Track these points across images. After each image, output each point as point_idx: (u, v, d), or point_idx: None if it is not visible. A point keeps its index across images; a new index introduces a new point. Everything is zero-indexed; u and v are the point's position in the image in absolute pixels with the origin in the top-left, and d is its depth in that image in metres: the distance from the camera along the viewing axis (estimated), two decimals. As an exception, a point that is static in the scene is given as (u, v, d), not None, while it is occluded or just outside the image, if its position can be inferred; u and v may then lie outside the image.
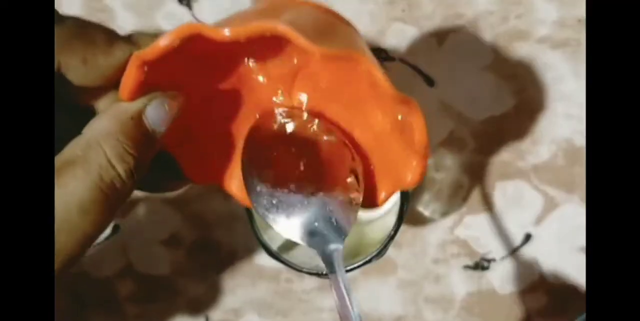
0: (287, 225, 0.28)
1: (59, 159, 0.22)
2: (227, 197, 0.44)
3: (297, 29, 0.23)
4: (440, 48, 0.42)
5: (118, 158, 0.22)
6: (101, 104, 0.25)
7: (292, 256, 0.34)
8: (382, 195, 0.28)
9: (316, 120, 0.28)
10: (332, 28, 0.27)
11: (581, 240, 0.41)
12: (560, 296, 0.41)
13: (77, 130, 0.23)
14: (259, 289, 0.44)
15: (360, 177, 0.28)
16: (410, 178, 0.27)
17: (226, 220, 0.44)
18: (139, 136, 0.23)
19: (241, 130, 0.28)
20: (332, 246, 0.27)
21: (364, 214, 0.41)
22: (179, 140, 0.27)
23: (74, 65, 0.23)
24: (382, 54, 0.42)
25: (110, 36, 0.24)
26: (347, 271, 0.33)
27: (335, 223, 0.28)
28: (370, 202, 0.28)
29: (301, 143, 0.28)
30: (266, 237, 0.33)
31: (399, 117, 0.26)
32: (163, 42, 0.23)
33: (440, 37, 0.41)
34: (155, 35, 0.24)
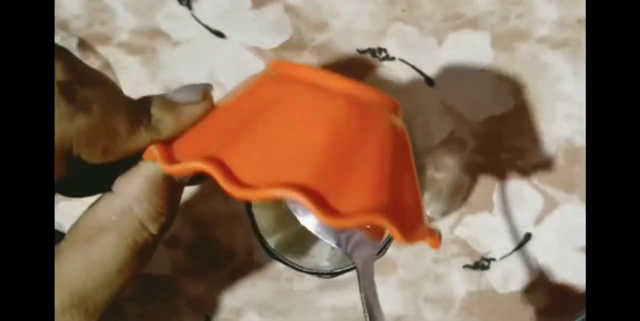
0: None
1: (94, 223, 0.23)
2: (228, 197, 0.44)
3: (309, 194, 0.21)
4: (440, 48, 0.42)
5: (151, 220, 0.23)
6: None
7: (292, 256, 0.34)
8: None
9: None
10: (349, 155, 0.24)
11: (581, 240, 0.41)
12: (560, 296, 0.41)
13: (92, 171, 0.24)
14: (259, 289, 0.44)
15: None
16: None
17: (226, 220, 0.44)
18: (170, 193, 0.24)
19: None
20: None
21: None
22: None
23: (92, 153, 0.23)
24: (382, 54, 0.42)
25: (132, 123, 0.24)
26: (347, 271, 0.33)
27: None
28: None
29: None
30: (266, 237, 0.33)
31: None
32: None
33: (440, 37, 0.41)
34: (172, 104, 0.24)
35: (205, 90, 0.25)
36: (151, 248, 0.24)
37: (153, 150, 0.23)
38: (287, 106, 0.23)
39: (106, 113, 0.23)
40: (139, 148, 0.24)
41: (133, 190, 0.23)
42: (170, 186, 0.24)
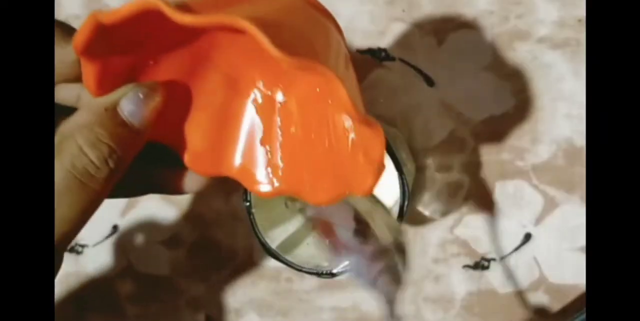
0: None
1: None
2: (228, 197, 0.44)
3: (266, 27, 0.22)
4: (440, 48, 0.42)
5: (90, 146, 0.23)
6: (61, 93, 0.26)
7: (292, 256, 0.34)
8: (326, 195, 0.27)
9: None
10: (309, 25, 0.26)
11: (581, 240, 0.41)
12: (560, 296, 0.41)
13: None
14: (259, 289, 0.44)
15: None
16: (362, 188, 0.26)
17: (226, 220, 0.44)
18: (114, 127, 0.24)
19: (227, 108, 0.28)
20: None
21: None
22: (171, 133, 0.27)
23: None
24: (382, 54, 0.42)
25: (67, 30, 0.24)
26: (347, 270, 0.33)
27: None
28: (313, 199, 0.28)
29: None
30: (266, 237, 0.33)
31: (351, 137, 0.26)
32: (122, 9, 0.22)
33: (440, 37, 0.41)
34: None
35: None
36: (97, 181, 0.23)
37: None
38: None
39: None
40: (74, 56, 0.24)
41: (75, 118, 0.24)
42: (117, 122, 0.24)
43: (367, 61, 0.42)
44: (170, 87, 0.26)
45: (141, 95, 0.24)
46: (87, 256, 0.45)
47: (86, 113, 0.24)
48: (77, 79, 0.24)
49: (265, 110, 0.28)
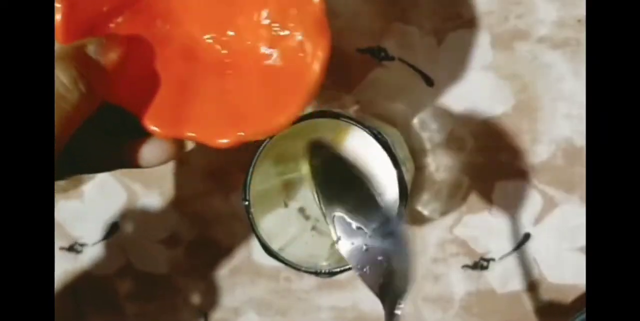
0: None
1: None
2: (227, 196, 0.44)
3: None
4: (440, 48, 0.41)
5: (61, 70, 0.26)
6: None
7: (291, 255, 0.34)
8: (292, 105, 0.30)
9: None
10: None
11: (580, 240, 0.41)
12: (560, 296, 0.41)
13: None
14: (258, 288, 0.44)
15: None
16: (314, 71, 0.29)
17: (225, 219, 0.44)
18: (82, 58, 0.28)
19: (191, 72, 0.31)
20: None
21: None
22: (132, 95, 0.30)
23: None
24: (381, 54, 0.42)
25: None
26: (346, 270, 0.33)
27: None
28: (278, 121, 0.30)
29: None
30: (265, 236, 0.33)
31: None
32: None
33: (440, 37, 0.41)
34: None
35: None
36: (67, 101, 0.26)
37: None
38: None
39: None
40: None
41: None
42: (83, 54, 0.28)
43: (367, 61, 0.42)
44: (130, 49, 0.30)
45: (104, 41, 0.29)
46: (86, 255, 0.45)
47: (59, 50, 0.27)
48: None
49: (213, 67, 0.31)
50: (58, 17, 0.28)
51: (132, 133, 0.31)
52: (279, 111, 0.30)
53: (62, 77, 0.26)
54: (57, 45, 0.28)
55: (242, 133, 0.30)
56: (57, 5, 0.27)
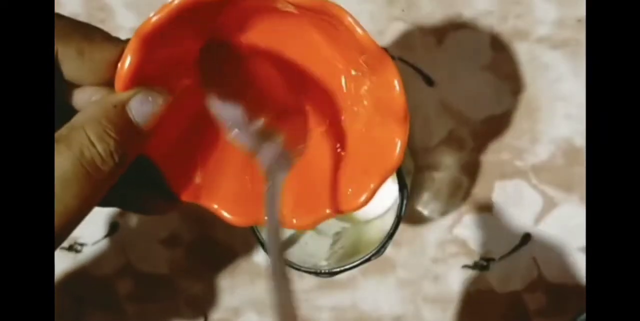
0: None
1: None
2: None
3: None
4: (440, 48, 0.42)
5: (98, 138, 0.24)
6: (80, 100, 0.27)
7: (291, 255, 0.34)
8: (371, 186, 0.27)
9: None
10: None
11: (580, 240, 0.41)
12: (560, 296, 0.41)
13: None
14: (258, 288, 0.44)
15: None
16: (396, 152, 0.26)
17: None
18: (121, 123, 0.25)
19: (228, 144, 0.28)
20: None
21: (363, 213, 0.41)
22: (168, 154, 0.27)
23: (69, 55, 0.24)
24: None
25: (107, 35, 0.25)
26: (346, 270, 0.33)
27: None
28: (358, 199, 0.28)
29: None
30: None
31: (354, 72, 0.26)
32: (159, 14, 0.24)
33: (440, 37, 0.41)
34: None
35: None
36: (101, 173, 0.24)
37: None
38: None
39: (78, 22, 0.25)
40: (114, 58, 0.25)
41: (86, 112, 0.25)
42: (124, 119, 0.25)
43: (367, 60, 0.42)
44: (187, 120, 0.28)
45: (150, 98, 0.25)
46: (86, 255, 0.45)
47: (96, 107, 0.25)
48: (108, 83, 0.25)
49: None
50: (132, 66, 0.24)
51: (151, 186, 0.28)
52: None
53: (99, 146, 0.24)
54: (93, 105, 0.25)
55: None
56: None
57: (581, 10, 0.40)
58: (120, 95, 0.25)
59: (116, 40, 0.25)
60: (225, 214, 0.29)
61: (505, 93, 0.41)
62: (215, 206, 0.29)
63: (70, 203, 0.23)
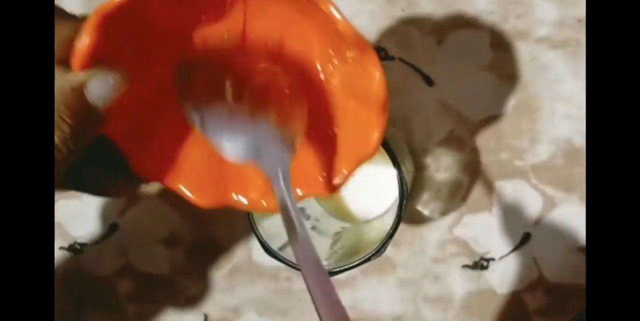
0: (233, 145, 0.26)
1: None
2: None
3: None
4: (439, 48, 0.42)
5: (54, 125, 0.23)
6: None
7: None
8: (344, 171, 0.27)
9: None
10: None
11: (580, 240, 0.41)
12: (560, 296, 0.41)
13: None
14: (258, 288, 0.44)
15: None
16: (372, 140, 0.26)
17: (225, 219, 0.44)
18: (79, 107, 0.23)
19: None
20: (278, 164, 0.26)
21: (363, 213, 0.41)
22: (129, 133, 0.27)
23: None
24: (381, 53, 0.42)
25: (62, 12, 0.24)
26: (346, 270, 0.33)
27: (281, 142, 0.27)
28: (331, 184, 0.28)
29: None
30: (265, 236, 0.33)
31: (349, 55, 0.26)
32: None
33: (440, 37, 0.41)
34: None
35: None
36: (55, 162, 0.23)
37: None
38: None
39: None
40: (68, 35, 0.23)
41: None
42: (82, 102, 0.23)
43: (367, 60, 0.42)
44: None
45: (110, 79, 0.24)
46: (86, 255, 0.45)
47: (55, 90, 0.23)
48: (62, 61, 0.24)
49: None
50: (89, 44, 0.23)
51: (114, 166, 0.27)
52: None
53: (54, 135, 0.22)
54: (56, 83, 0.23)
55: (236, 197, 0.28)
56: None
57: (581, 10, 0.40)
58: (77, 75, 0.23)
59: (73, 18, 0.24)
60: (190, 195, 0.28)
61: (505, 94, 0.41)
62: (180, 186, 0.28)
63: None
